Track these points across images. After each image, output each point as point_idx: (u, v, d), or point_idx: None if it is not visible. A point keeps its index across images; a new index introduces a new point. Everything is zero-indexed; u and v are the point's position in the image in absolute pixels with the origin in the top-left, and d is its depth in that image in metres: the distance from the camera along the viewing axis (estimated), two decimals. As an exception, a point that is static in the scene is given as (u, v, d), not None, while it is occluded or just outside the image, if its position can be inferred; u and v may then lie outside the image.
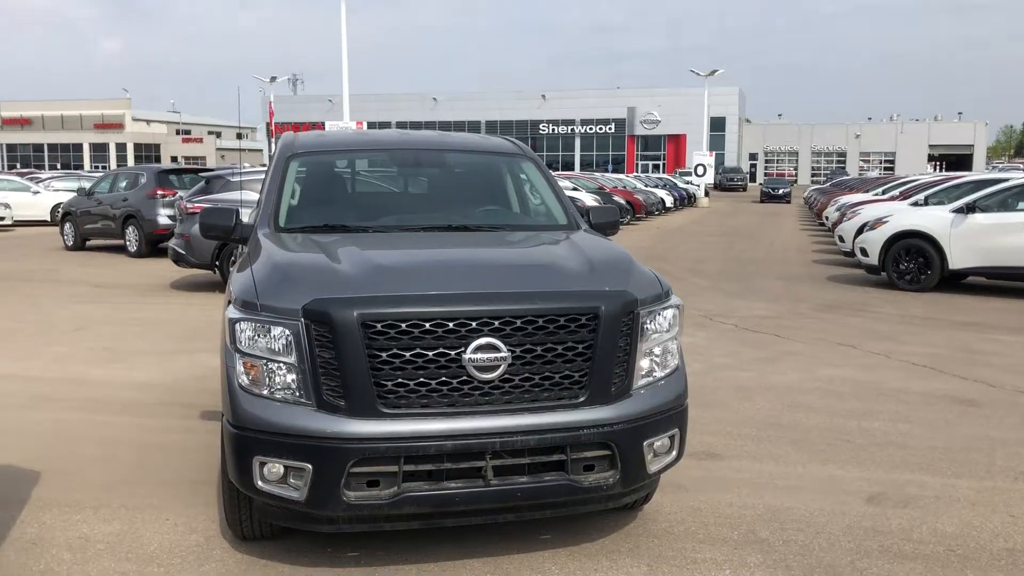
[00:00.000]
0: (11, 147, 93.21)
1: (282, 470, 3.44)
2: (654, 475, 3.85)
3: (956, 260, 12.43)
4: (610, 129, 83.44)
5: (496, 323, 3.47)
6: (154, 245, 17.23)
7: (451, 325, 3.42)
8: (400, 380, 3.41)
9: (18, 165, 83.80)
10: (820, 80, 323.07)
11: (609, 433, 3.61)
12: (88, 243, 19.42)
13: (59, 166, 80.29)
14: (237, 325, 3.53)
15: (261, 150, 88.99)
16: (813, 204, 34.73)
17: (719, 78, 60.46)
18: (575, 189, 26.34)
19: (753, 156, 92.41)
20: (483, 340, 3.44)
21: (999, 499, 4.65)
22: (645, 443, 3.72)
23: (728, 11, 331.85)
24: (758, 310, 11.12)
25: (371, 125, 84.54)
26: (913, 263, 12.85)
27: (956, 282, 13.03)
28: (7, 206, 25.16)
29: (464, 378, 3.45)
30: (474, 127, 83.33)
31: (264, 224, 4.52)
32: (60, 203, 23.60)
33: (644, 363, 3.81)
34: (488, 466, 3.47)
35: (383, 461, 3.41)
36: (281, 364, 3.46)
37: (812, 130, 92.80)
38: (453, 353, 3.43)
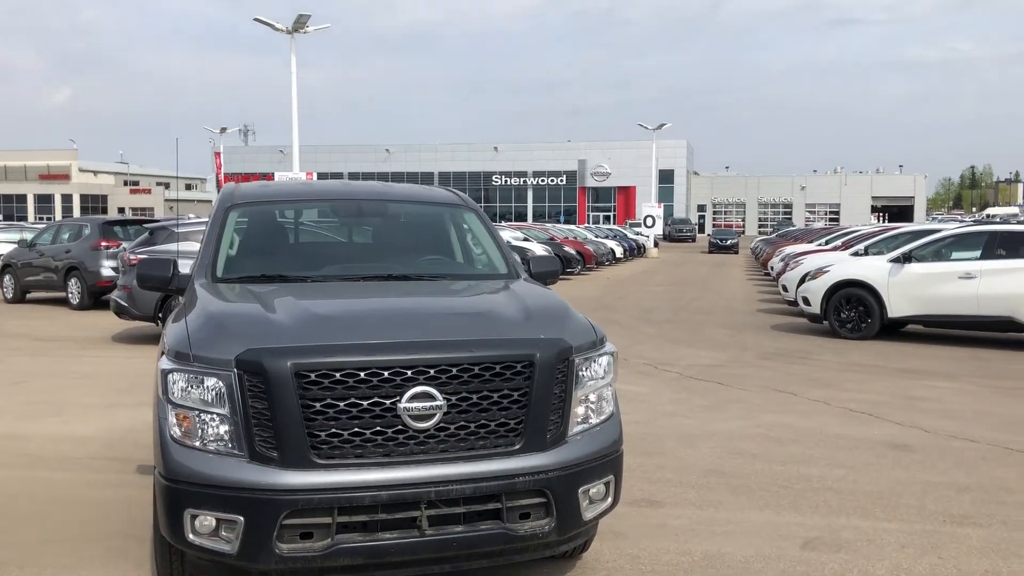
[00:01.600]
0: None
1: (214, 523, 3.40)
2: (590, 522, 3.88)
3: (894, 308, 12.76)
4: (562, 181, 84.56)
5: (431, 371, 3.50)
6: (97, 297, 16.94)
7: (386, 374, 3.44)
8: (334, 430, 3.41)
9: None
10: (767, 133, 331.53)
11: (544, 480, 3.64)
12: (28, 295, 19.04)
13: (1, 217, 78.71)
14: (169, 376, 3.51)
15: (210, 201, 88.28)
16: (759, 254, 35.43)
17: (668, 131, 61.87)
18: (526, 240, 26.57)
19: (702, 207, 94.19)
20: (418, 389, 3.46)
21: (928, 542, 4.75)
22: (580, 490, 3.75)
23: (679, 66, 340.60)
24: (703, 358, 11.27)
25: (322, 175, 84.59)
26: (854, 312, 13.14)
27: (896, 330, 13.35)
28: None
29: (399, 427, 3.47)
30: (427, 178, 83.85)
31: (201, 274, 4.52)
32: (-1, 255, 23.00)
33: (579, 410, 3.86)
34: (423, 516, 3.47)
35: (316, 512, 3.39)
36: (214, 415, 3.44)
37: (759, 182, 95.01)
38: (388, 402, 3.45)
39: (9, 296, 19.01)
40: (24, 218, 78.90)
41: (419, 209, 5.55)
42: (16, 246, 20.74)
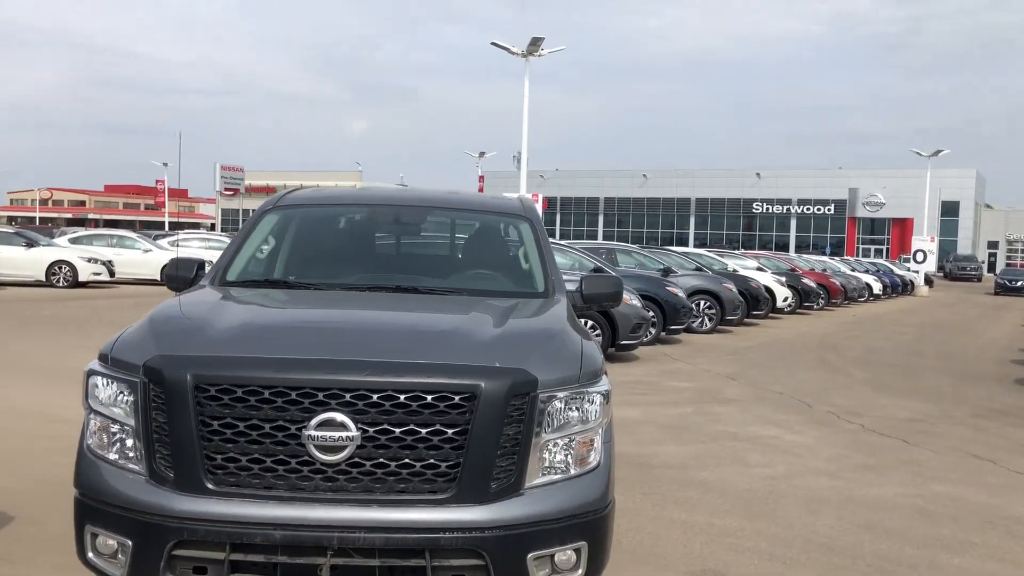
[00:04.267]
0: (248, 212, 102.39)
1: (114, 544, 3.13)
2: (544, 596, 3.20)
3: None
4: (829, 210, 79.60)
5: (346, 396, 3.02)
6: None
7: (293, 395, 3.02)
8: (232, 454, 3.04)
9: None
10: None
11: (479, 539, 3.04)
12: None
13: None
14: (91, 379, 3.31)
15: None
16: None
17: (952, 159, 56.47)
18: (760, 269, 25.00)
19: (993, 244, 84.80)
20: (327, 415, 3.00)
21: None
22: (532, 556, 3.10)
23: (975, 91, 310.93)
24: (903, 410, 9.75)
25: (580, 201, 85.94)
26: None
27: None
28: (106, 262, 24.25)
29: (305, 458, 3.03)
30: (683, 204, 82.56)
31: (210, 276, 4.36)
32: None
33: (546, 457, 3.22)
34: (326, 565, 3.00)
35: (208, 545, 3.02)
36: (124, 426, 3.19)
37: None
38: (293, 428, 3.02)
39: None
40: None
41: (465, 218, 5.09)
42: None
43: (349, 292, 4.24)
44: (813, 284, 26.32)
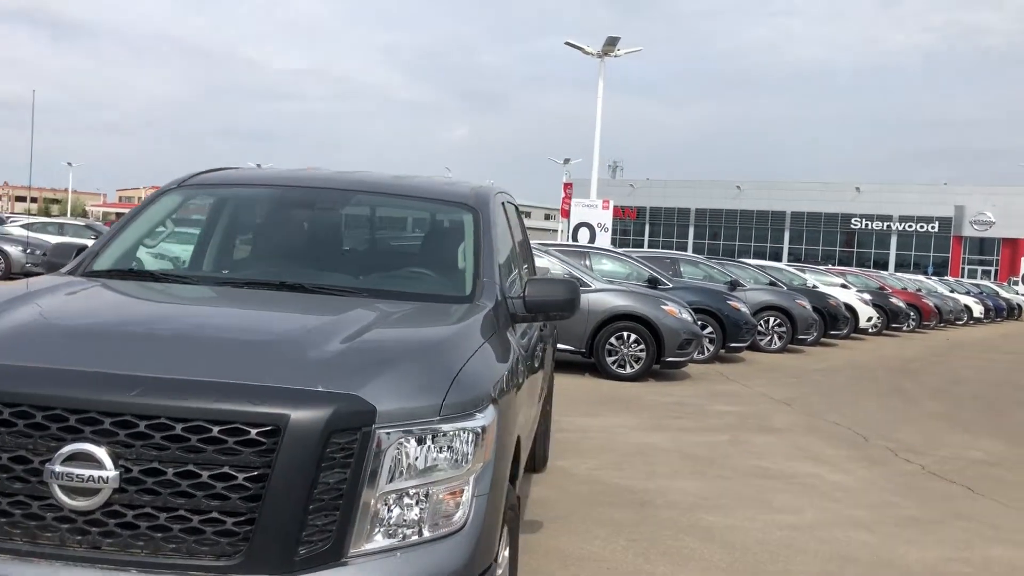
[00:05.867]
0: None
1: None
2: None
3: None
4: (933, 228, 75.60)
5: (106, 422, 2.28)
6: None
7: (39, 417, 2.29)
8: None
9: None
10: None
11: None
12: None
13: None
14: None
15: (557, 230, 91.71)
16: None
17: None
18: (844, 286, 23.45)
19: (1120, 269, 79.28)
20: (77, 446, 2.26)
21: None
22: None
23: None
24: (975, 452, 8.50)
25: (670, 211, 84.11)
26: None
27: None
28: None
29: (50, 502, 2.29)
30: (778, 217, 79.89)
31: (77, 262, 3.70)
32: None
33: (385, 513, 2.40)
34: None
35: None
36: None
37: None
38: (36, 461, 2.28)
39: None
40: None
41: (396, 206, 4.30)
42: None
43: (220, 288, 3.51)
44: (902, 304, 24.60)
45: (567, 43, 25.56)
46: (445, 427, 2.48)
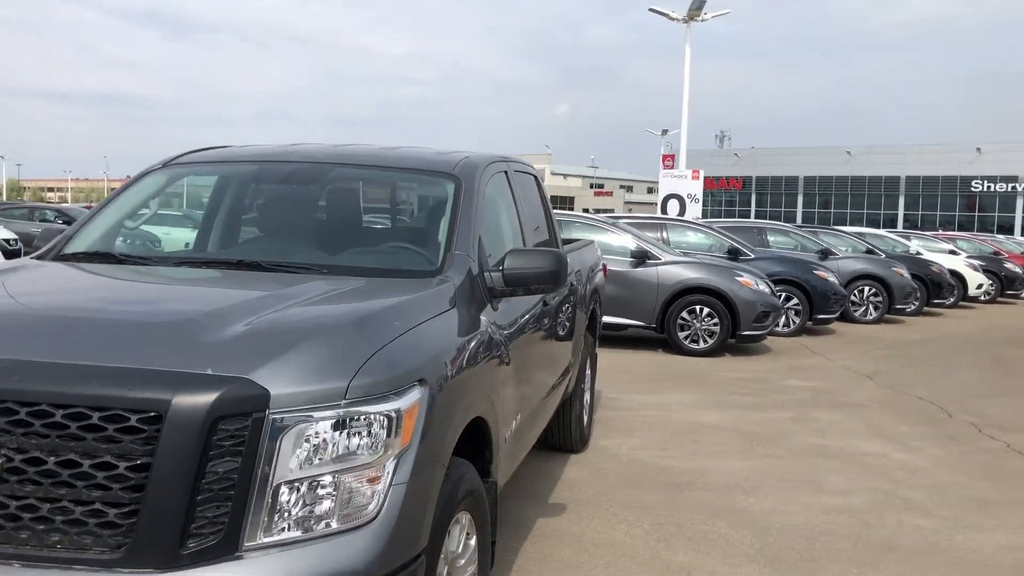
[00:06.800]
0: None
1: None
2: None
3: None
4: (1064, 188, 71.02)
5: None
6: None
7: None
8: None
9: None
10: None
11: None
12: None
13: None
14: None
15: (655, 203, 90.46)
16: None
17: None
18: (952, 252, 22.15)
19: None
20: None
21: None
22: None
23: None
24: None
25: (777, 180, 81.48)
26: None
27: None
28: (9, 239, 20.35)
29: None
30: (892, 183, 76.33)
31: (51, 245, 3.69)
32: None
33: (285, 504, 2.25)
34: None
35: None
36: None
37: None
38: None
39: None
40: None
41: (376, 178, 4.12)
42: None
43: (174, 269, 3.43)
44: (1019, 270, 23.04)
45: (651, 9, 24.87)
46: (353, 411, 2.31)
